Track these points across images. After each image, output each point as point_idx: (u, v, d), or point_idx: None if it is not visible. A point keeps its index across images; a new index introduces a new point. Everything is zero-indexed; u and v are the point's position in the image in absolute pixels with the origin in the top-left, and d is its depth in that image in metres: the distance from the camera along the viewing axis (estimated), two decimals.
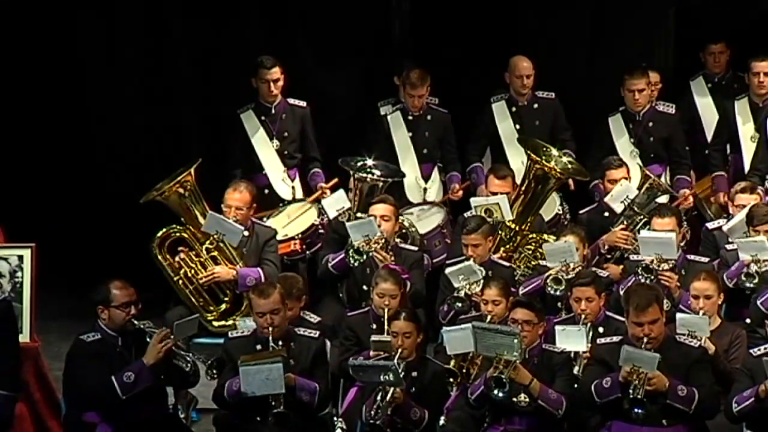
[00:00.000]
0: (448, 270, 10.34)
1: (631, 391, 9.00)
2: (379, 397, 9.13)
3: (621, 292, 10.05)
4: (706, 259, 10.47)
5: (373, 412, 9.11)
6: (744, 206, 10.83)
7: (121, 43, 12.75)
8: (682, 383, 9.12)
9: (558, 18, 12.71)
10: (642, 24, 12.70)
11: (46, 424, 9.98)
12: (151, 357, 9.29)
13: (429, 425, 9.35)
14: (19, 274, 10.09)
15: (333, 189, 11.60)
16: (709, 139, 12.12)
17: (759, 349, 9.21)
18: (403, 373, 9.21)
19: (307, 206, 11.55)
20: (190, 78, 12.78)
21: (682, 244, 10.61)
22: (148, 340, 9.39)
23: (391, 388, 9.12)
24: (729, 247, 10.60)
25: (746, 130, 11.79)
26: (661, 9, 12.74)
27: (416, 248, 10.84)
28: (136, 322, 9.45)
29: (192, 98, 12.80)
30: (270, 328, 9.39)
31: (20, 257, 10.10)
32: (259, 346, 9.44)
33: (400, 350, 9.37)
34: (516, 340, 9.07)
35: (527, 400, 9.20)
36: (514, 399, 9.15)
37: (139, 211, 11.03)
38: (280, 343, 9.38)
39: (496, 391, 9.09)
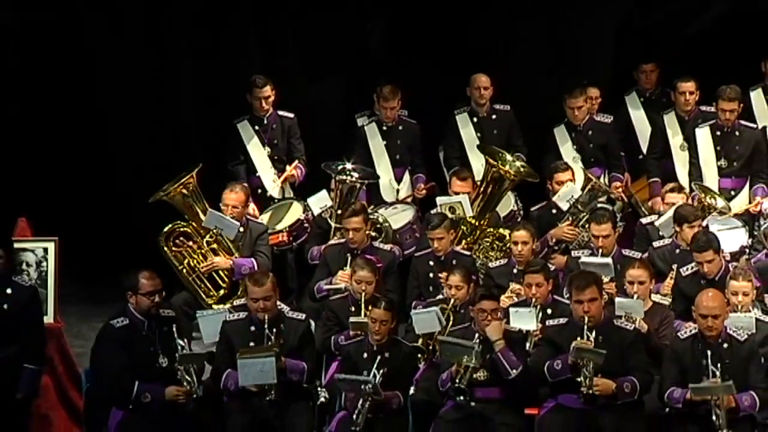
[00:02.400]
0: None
1: (581, 384, 9.05)
2: (359, 404, 9.18)
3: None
4: (639, 254, 10.47)
5: (355, 417, 9.16)
6: (673, 204, 10.89)
7: (130, 59, 12.63)
8: (622, 374, 9.13)
9: (516, 42, 12.70)
10: (586, 47, 12.71)
11: (68, 394, 10.03)
12: (169, 395, 9.22)
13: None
14: (44, 264, 10.12)
15: (299, 175, 11.61)
16: (642, 146, 12.13)
17: (685, 332, 9.27)
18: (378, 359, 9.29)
19: (294, 204, 11.54)
20: (193, 91, 12.73)
21: (617, 236, 10.63)
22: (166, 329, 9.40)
23: (370, 397, 9.19)
24: (656, 244, 10.66)
25: (675, 141, 11.82)
26: (603, 35, 12.76)
27: (389, 247, 10.82)
28: (161, 310, 9.44)
29: (194, 108, 12.74)
30: (261, 310, 9.42)
31: (45, 249, 10.14)
32: (253, 327, 9.47)
33: (378, 337, 9.43)
34: (474, 350, 9.13)
35: (485, 374, 9.25)
36: (474, 375, 9.20)
37: (148, 208, 11.04)
38: (274, 329, 9.38)
39: (459, 398, 9.18)
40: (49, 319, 9.92)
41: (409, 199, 11.82)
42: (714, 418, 8.91)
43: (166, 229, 10.86)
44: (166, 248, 10.82)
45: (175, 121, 12.69)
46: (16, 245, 10.04)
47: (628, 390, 9.14)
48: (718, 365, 9.01)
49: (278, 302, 9.74)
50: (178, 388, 9.20)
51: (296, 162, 11.71)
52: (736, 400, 8.98)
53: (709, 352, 9.05)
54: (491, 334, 9.22)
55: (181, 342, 9.32)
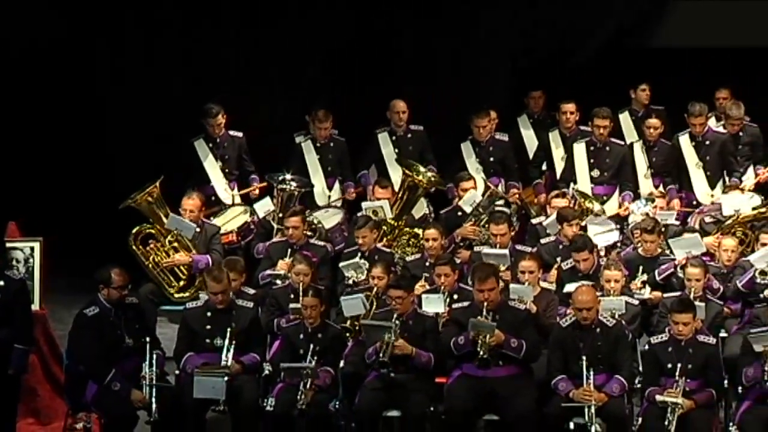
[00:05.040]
0: (341, 264, 10.39)
1: (479, 352, 9.15)
2: (301, 386, 9.25)
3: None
4: (530, 249, 10.63)
5: (299, 397, 9.22)
6: (558, 207, 11.05)
7: (128, 70, 12.49)
8: (514, 337, 9.30)
9: (429, 73, 12.82)
10: (486, 78, 12.87)
11: (52, 370, 10.05)
12: (134, 398, 9.23)
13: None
14: (31, 260, 10.13)
15: (261, 189, 11.66)
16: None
17: (565, 321, 9.37)
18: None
19: (242, 209, 11.59)
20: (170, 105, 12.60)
21: (513, 234, 10.79)
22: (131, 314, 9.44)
23: (309, 379, 9.27)
24: (543, 241, 10.80)
25: (558, 153, 11.95)
26: (499, 68, 12.93)
27: (322, 243, 10.90)
28: (128, 299, 9.47)
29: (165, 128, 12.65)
30: (220, 302, 9.50)
31: (32, 248, 10.16)
32: (209, 313, 9.53)
33: (311, 320, 9.53)
34: (392, 329, 9.22)
35: (406, 344, 9.33)
36: (396, 343, 9.26)
37: (118, 214, 11.02)
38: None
39: (384, 371, 9.24)
40: (35, 306, 9.93)
41: (338, 203, 11.89)
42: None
43: (134, 230, 10.88)
44: (134, 246, 10.84)
45: (147, 133, 12.54)
46: (8, 244, 10.09)
47: (515, 345, 9.25)
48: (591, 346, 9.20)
49: (242, 286, 9.88)
50: (143, 399, 9.18)
51: (261, 185, 11.71)
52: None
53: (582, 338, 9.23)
54: (404, 352, 9.19)
55: (149, 371, 9.23)
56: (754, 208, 11.06)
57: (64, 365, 9.76)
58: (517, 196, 11.82)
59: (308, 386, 9.21)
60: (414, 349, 9.29)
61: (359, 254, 10.55)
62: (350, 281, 10.25)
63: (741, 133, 11.86)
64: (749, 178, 11.72)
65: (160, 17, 12.57)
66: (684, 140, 11.74)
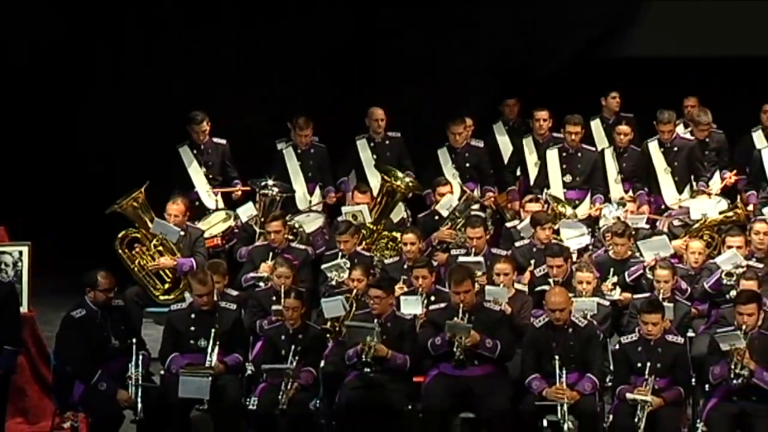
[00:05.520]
0: (323, 266, 10.49)
1: (455, 352, 9.22)
2: (282, 386, 9.28)
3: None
4: (504, 252, 10.67)
5: (280, 397, 9.25)
6: (531, 211, 11.09)
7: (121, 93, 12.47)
8: (489, 337, 9.36)
9: (406, 82, 12.86)
10: (462, 85, 12.92)
11: (40, 370, 10.05)
12: (119, 397, 9.24)
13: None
14: (19, 264, 10.14)
15: (243, 193, 11.69)
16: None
17: (539, 321, 9.44)
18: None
19: (225, 214, 11.63)
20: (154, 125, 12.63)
21: (488, 238, 10.85)
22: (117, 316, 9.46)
23: (291, 379, 9.31)
24: (518, 244, 10.86)
25: (531, 159, 12.03)
26: (476, 75, 12.97)
27: (303, 247, 10.94)
28: (112, 301, 9.49)
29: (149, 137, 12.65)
30: (205, 304, 9.54)
31: (20, 252, 10.16)
32: (193, 315, 9.57)
33: (292, 321, 9.56)
34: (374, 331, 9.27)
35: (382, 346, 9.40)
36: (372, 344, 9.32)
37: (105, 218, 11.03)
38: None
39: (366, 370, 9.28)
40: (24, 308, 9.92)
41: (319, 208, 11.92)
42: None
43: (120, 234, 10.90)
44: (120, 250, 10.86)
45: (138, 138, 12.52)
46: None
47: (490, 345, 9.31)
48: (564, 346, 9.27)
49: (226, 288, 9.93)
50: (129, 398, 9.22)
51: (242, 187, 11.75)
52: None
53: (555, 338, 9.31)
54: (380, 354, 9.24)
55: (135, 372, 9.26)
56: (720, 212, 11.21)
57: (51, 366, 9.77)
58: (492, 200, 11.90)
59: (290, 386, 9.25)
60: (389, 352, 9.35)
61: (340, 256, 10.63)
62: (333, 282, 10.31)
63: (708, 140, 12.01)
64: (716, 183, 11.87)
65: (160, 17, 12.53)
66: (653, 146, 11.84)
